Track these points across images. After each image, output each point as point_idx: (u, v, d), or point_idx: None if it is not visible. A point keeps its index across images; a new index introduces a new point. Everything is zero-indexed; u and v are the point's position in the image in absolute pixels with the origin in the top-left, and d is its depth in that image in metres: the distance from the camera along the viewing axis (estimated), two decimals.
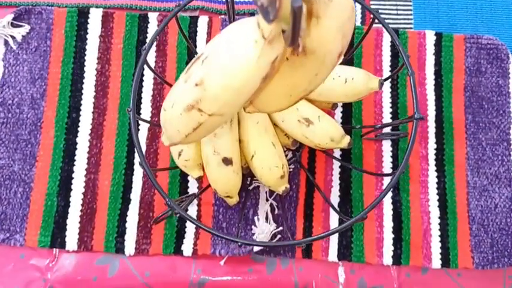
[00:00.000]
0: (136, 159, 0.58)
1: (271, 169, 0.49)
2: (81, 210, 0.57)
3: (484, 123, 0.60)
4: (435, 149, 0.59)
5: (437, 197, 0.58)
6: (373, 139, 0.59)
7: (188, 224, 0.56)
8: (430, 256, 0.56)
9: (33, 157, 0.58)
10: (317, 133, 0.50)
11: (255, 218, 0.56)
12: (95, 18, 0.62)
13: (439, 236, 0.57)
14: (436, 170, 0.59)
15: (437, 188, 0.58)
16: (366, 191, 0.58)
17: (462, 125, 0.60)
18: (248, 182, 0.57)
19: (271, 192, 0.57)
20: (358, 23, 0.64)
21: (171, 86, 0.43)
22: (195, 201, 0.57)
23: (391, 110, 0.60)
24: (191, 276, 0.55)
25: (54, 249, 0.56)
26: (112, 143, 0.58)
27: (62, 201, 0.57)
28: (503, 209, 0.58)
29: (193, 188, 0.58)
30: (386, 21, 0.63)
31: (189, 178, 0.58)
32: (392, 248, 0.56)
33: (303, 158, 0.59)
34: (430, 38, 0.62)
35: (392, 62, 0.61)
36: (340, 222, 0.57)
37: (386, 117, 0.60)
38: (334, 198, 0.58)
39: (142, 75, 0.60)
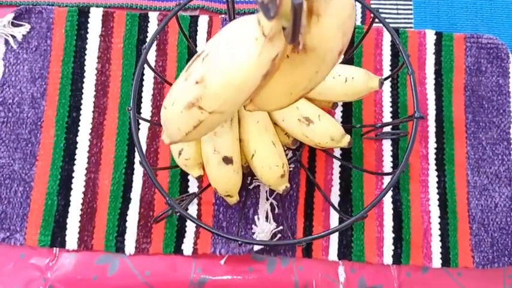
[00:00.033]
0: (137, 159, 0.58)
1: (272, 168, 0.49)
2: (81, 210, 0.57)
3: (484, 122, 0.60)
4: (435, 149, 0.59)
5: (437, 196, 0.58)
6: (373, 138, 0.59)
7: (188, 223, 0.56)
8: (431, 255, 0.56)
9: (33, 156, 0.58)
10: (317, 132, 0.50)
11: (255, 217, 0.56)
12: (95, 17, 0.62)
13: (440, 235, 0.57)
14: (436, 170, 0.59)
15: (438, 188, 0.58)
16: (366, 191, 0.58)
17: (462, 124, 0.60)
18: (248, 181, 0.57)
19: (272, 191, 0.57)
20: (359, 23, 0.64)
21: (171, 85, 0.43)
22: (195, 201, 0.57)
23: (391, 109, 0.60)
24: (191, 276, 0.55)
25: (54, 248, 0.56)
26: (112, 142, 0.58)
27: (62, 200, 0.57)
28: (503, 208, 0.58)
29: (193, 187, 0.58)
30: (387, 20, 0.63)
31: (189, 177, 0.58)
32: (393, 247, 0.56)
33: (303, 157, 0.59)
34: (430, 37, 0.62)
35: (393, 61, 0.62)
36: (341, 221, 0.57)
37: (387, 117, 0.60)
38: (335, 197, 0.58)
39: (143, 74, 0.60)
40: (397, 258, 0.56)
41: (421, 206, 0.57)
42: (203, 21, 0.62)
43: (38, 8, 0.61)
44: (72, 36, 0.61)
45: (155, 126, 0.59)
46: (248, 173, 0.55)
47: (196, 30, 0.62)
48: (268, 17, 0.23)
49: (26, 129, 0.58)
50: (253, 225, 0.56)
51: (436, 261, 0.56)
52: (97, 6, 0.62)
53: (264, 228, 0.55)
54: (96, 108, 0.59)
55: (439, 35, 0.62)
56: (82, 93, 0.60)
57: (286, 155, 0.57)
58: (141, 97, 0.60)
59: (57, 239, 0.56)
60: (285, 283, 0.55)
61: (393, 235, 0.57)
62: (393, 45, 0.62)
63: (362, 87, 0.49)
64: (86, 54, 0.61)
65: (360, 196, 0.58)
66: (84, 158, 0.58)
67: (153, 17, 0.62)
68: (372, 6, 0.64)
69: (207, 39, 0.62)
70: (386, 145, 0.59)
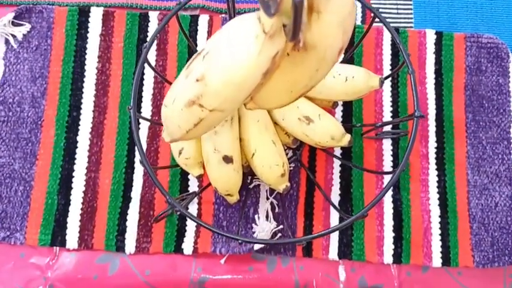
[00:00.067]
0: (137, 158, 0.58)
1: (272, 167, 0.49)
2: (81, 209, 0.57)
3: (485, 122, 0.60)
4: (435, 148, 0.59)
5: (437, 195, 0.58)
6: (373, 138, 0.59)
7: (189, 222, 0.56)
8: (431, 255, 0.56)
9: (33, 155, 0.58)
10: (317, 131, 0.50)
11: (256, 216, 0.56)
12: (96, 17, 0.62)
13: (440, 234, 0.57)
14: (436, 169, 0.59)
15: (438, 187, 0.58)
16: (366, 190, 0.58)
17: (462, 123, 0.60)
18: (248, 181, 0.57)
19: (272, 190, 0.57)
20: (359, 22, 0.64)
21: (171, 84, 0.43)
22: (196, 200, 0.57)
23: (391, 108, 0.60)
24: (191, 275, 0.55)
25: (55, 247, 0.56)
26: (112, 142, 0.59)
27: (63, 199, 0.57)
28: (503, 207, 0.58)
29: (193, 186, 0.58)
30: (387, 20, 0.63)
31: (189, 176, 0.58)
32: (393, 246, 0.56)
33: (303, 156, 0.59)
34: (431, 37, 0.62)
35: (393, 60, 0.62)
36: (341, 220, 0.57)
37: (387, 116, 0.60)
38: (335, 196, 0.58)
39: (143, 74, 0.61)
40: (397, 258, 0.56)
41: (422, 205, 0.57)
42: (203, 20, 0.62)
43: (38, 7, 0.61)
44: (73, 36, 0.61)
45: (155, 125, 0.59)
46: (248, 172, 0.55)
47: (197, 30, 0.62)
48: (269, 14, 0.23)
49: (27, 129, 0.58)
50: (253, 225, 0.56)
51: (437, 261, 0.56)
52: (97, 6, 0.62)
53: (264, 227, 0.55)
54: (96, 107, 0.59)
55: (439, 35, 0.62)
56: (82, 92, 0.60)
57: (287, 154, 0.57)
58: (142, 96, 0.60)
59: (57, 238, 0.56)
60: (286, 282, 0.55)
61: (393, 234, 0.57)
62: (393, 45, 0.62)
63: (362, 86, 0.49)
64: (86, 54, 0.61)
65: (360, 195, 0.58)
66: (85, 157, 0.58)
67: (154, 17, 0.62)
68: (372, 5, 0.64)
69: (208, 39, 0.62)
70: (387, 144, 0.59)
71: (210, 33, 0.62)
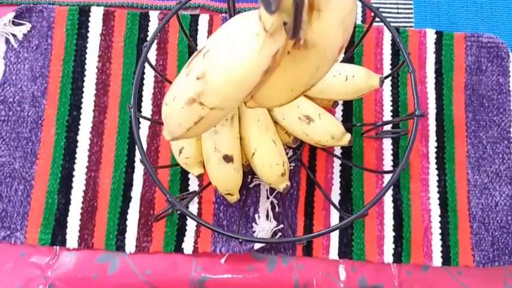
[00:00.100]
0: (137, 157, 0.58)
1: (272, 166, 0.49)
2: (81, 208, 0.57)
3: (485, 121, 0.60)
4: (436, 147, 0.59)
5: (437, 195, 0.58)
6: (373, 137, 0.59)
7: (189, 221, 0.56)
8: (431, 254, 0.56)
9: (34, 155, 0.58)
10: (318, 130, 0.50)
11: (256, 215, 0.56)
12: (96, 16, 0.62)
13: (440, 234, 0.57)
14: (436, 168, 0.59)
15: (438, 186, 0.58)
16: (366, 189, 0.58)
17: (463, 123, 0.60)
18: (249, 180, 0.57)
19: (272, 190, 0.57)
20: (359, 22, 0.64)
21: (171, 83, 0.44)
22: (196, 199, 0.57)
23: (391, 108, 0.60)
24: (192, 274, 0.55)
25: (55, 246, 0.56)
26: (113, 141, 0.59)
27: (63, 199, 0.57)
28: (503, 207, 0.58)
29: (193, 185, 0.58)
30: (387, 19, 0.63)
31: (189, 176, 0.58)
32: (393, 246, 0.56)
33: (303, 156, 0.59)
34: (431, 36, 0.62)
35: (393, 60, 0.62)
36: (341, 220, 0.57)
37: (387, 116, 0.60)
38: (335, 196, 0.58)
39: (143, 73, 0.61)
40: (397, 257, 0.56)
41: (422, 205, 0.57)
42: (204, 20, 0.62)
43: (38, 7, 0.61)
44: (73, 35, 0.61)
45: (156, 124, 0.59)
46: (248, 172, 0.55)
47: (197, 29, 0.62)
48: (270, 11, 0.23)
49: (27, 128, 0.58)
50: (253, 224, 0.56)
51: (437, 260, 0.56)
52: (98, 5, 0.63)
53: (264, 227, 0.55)
54: (96, 107, 0.59)
55: (439, 34, 0.62)
56: (83, 92, 0.60)
57: (287, 153, 0.57)
58: (142, 96, 0.60)
59: (57, 237, 0.56)
60: (286, 282, 0.55)
61: (394, 234, 0.57)
62: (394, 44, 0.62)
63: (362, 85, 0.49)
64: (86, 53, 0.61)
65: (361, 195, 0.58)
66: (85, 157, 0.58)
67: (154, 16, 0.62)
68: (373, 5, 0.64)
69: (208, 38, 0.62)
70: (387, 144, 0.59)
71: (210, 33, 0.62)
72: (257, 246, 0.54)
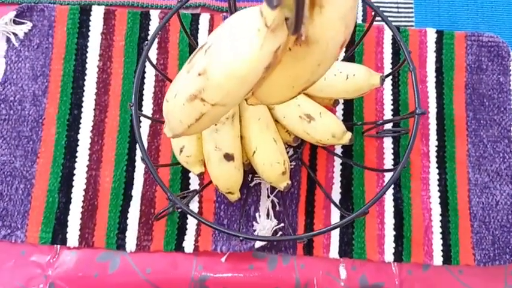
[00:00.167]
0: (138, 156, 0.58)
1: (273, 165, 0.49)
2: (82, 207, 0.57)
3: (485, 120, 0.60)
4: (436, 146, 0.59)
5: (438, 194, 0.58)
6: (374, 136, 0.59)
7: (189, 220, 0.56)
8: (432, 253, 0.56)
9: (34, 154, 0.58)
10: (318, 129, 0.50)
11: (257, 214, 0.56)
12: (97, 15, 0.62)
13: (441, 233, 0.57)
14: (437, 167, 0.59)
15: (439, 185, 0.58)
16: (367, 188, 0.58)
17: (463, 122, 0.60)
18: (249, 179, 0.57)
19: (273, 188, 0.57)
20: (360, 21, 0.64)
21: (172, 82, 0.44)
22: (196, 198, 0.57)
23: (392, 107, 0.60)
24: (192, 273, 0.55)
25: (55, 245, 0.56)
26: (113, 140, 0.59)
27: (63, 197, 0.57)
28: (504, 206, 0.58)
29: (194, 184, 0.58)
30: (388, 19, 0.63)
31: (190, 175, 0.58)
32: (394, 244, 0.56)
33: (304, 155, 0.59)
34: (431, 35, 0.62)
35: (394, 59, 0.62)
36: (342, 219, 0.57)
37: (388, 115, 0.60)
38: (335, 195, 0.58)
39: (144, 72, 0.61)
40: (398, 256, 0.56)
41: (422, 204, 0.57)
42: (204, 19, 0.62)
43: (39, 5, 0.61)
44: (74, 34, 0.61)
45: (156, 123, 0.59)
46: (249, 170, 0.55)
47: (198, 28, 0.62)
48: (272, 6, 0.23)
49: (27, 127, 0.58)
50: (254, 223, 0.56)
51: (437, 259, 0.56)
52: (99, 4, 0.63)
53: (265, 225, 0.55)
54: (97, 105, 0.59)
55: (439, 33, 0.62)
56: (83, 90, 0.60)
57: (287, 152, 0.57)
58: (143, 95, 0.60)
59: (58, 236, 0.56)
60: (286, 281, 0.55)
61: (394, 233, 0.57)
62: (394, 43, 0.62)
63: (363, 84, 0.49)
64: (87, 52, 0.61)
65: (361, 194, 0.58)
66: (85, 156, 0.58)
67: (155, 15, 0.62)
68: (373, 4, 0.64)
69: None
70: (387, 143, 0.59)
71: (211, 32, 0.62)
72: (258, 245, 0.54)
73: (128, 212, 0.57)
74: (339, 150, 0.59)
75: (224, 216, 0.57)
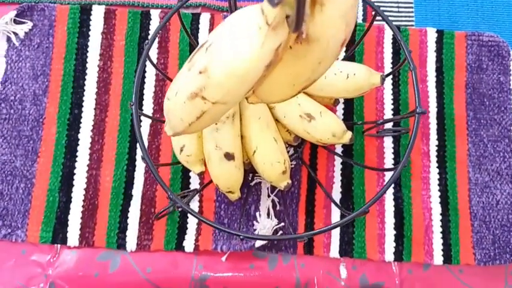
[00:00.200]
0: (138, 156, 0.58)
1: (273, 164, 0.49)
2: (82, 206, 0.57)
3: (486, 119, 0.60)
4: (437, 146, 0.59)
5: (438, 193, 0.58)
6: (374, 135, 0.59)
7: (190, 220, 0.56)
8: (432, 252, 0.56)
9: (35, 153, 0.58)
10: (319, 128, 0.50)
11: (257, 213, 0.56)
12: (97, 15, 0.62)
13: (441, 232, 0.57)
14: (437, 167, 0.59)
15: (439, 185, 0.58)
16: (367, 188, 0.58)
17: (463, 121, 0.60)
18: (250, 178, 0.57)
19: (273, 188, 0.57)
20: (360, 20, 0.64)
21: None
22: (197, 198, 0.57)
23: (392, 106, 0.60)
24: (193, 272, 0.55)
25: (56, 245, 0.56)
26: (114, 139, 0.59)
27: (64, 197, 0.57)
28: (504, 205, 0.58)
29: (195, 184, 0.58)
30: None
31: (190, 174, 0.58)
32: (394, 244, 0.56)
33: (304, 154, 0.59)
34: (431, 35, 0.62)
35: (394, 58, 0.62)
36: (342, 218, 0.57)
37: (388, 114, 0.60)
38: (336, 194, 0.58)
39: (145, 71, 0.61)
40: (398, 255, 0.56)
41: (423, 203, 0.57)
42: (205, 18, 0.62)
43: (40, 5, 0.61)
44: (74, 34, 0.61)
45: (157, 123, 0.59)
46: (250, 170, 0.55)
47: (198, 28, 0.62)
48: (273, 4, 0.23)
49: (28, 126, 0.58)
50: (254, 222, 0.56)
51: (438, 258, 0.56)
52: (99, 4, 0.63)
53: (265, 225, 0.55)
54: (97, 105, 0.59)
55: (440, 33, 0.62)
56: (84, 90, 0.60)
57: (288, 152, 0.57)
58: (143, 94, 0.60)
59: (58, 235, 0.56)
60: (287, 280, 0.55)
61: (395, 232, 0.57)
62: (394, 43, 0.62)
63: (363, 83, 0.49)
64: (87, 52, 0.61)
65: (362, 193, 0.58)
66: (86, 155, 0.58)
67: (155, 15, 0.62)
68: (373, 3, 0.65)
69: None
70: (388, 142, 0.59)
71: (211, 32, 0.62)
72: (258, 244, 0.54)
73: (128, 212, 0.57)
74: (339, 149, 0.59)
75: (224, 216, 0.57)
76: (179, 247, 0.55)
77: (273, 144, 0.49)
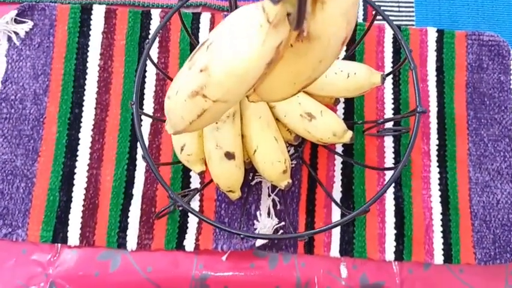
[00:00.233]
0: (139, 155, 0.58)
1: (274, 164, 0.49)
2: (83, 206, 0.57)
3: (486, 119, 0.60)
4: (437, 145, 0.59)
5: (439, 192, 0.58)
6: (375, 135, 0.59)
7: (190, 219, 0.56)
8: (432, 252, 0.56)
9: (35, 152, 0.58)
10: (319, 128, 0.50)
11: (257, 213, 0.56)
12: (98, 14, 0.62)
13: (441, 231, 0.57)
14: (438, 166, 0.59)
15: (440, 184, 0.58)
16: (368, 187, 0.58)
17: (464, 121, 0.60)
18: (250, 177, 0.57)
19: (274, 187, 0.57)
20: (360, 20, 0.64)
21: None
22: (197, 197, 0.57)
23: (393, 106, 0.60)
24: (193, 272, 0.55)
25: (56, 244, 0.56)
26: (114, 139, 0.59)
27: (64, 196, 0.57)
28: (505, 204, 0.58)
29: (195, 183, 0.58)
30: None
31: (191, 173, 0.58)
32: (395, 243, 0.56)
33: (305, 153, 0.59)
34: (432, 34, 0.62)
35: (394, 58, 0.62)
36: (342, 218, 0.57)
37: (388, 114, 0.60)
38: (336, 193, 0.58)
39: (145, 71, 0.61)
40: (399, 255, 0.56)
41: (423, 203, 0.57)
42: (205, 18, 0.62)
43: (40, 5, 0.62)
44: (75, 33, 0.61)
45: (157, 122, 0.59)
46: (250, 169, 0.55)
47: (199, 28, 0.62)
48: (274, 1, 0.23)
49: (28, 126, 0.58)
50: (255, 221, 0.56)
51: (438, 258, 0.56)
52: (100, 4, 0.63)
53: (266, 224, 0.55)
54: (98, 104, 0.59)
55: (440, 33, 0.62)
56: (84, 89, 0.60)
57: (288, 151, 0.57)
58: (144, 94, 0.60)
59: (59, 234, 0.56)
60: (287, 279, 0.55)
61: (395, 231, 0.57)
62: (395, 43, 0.62)
63: (364, 82, 0.49)
64: (88, 51, 0.61)
65: (362, 192, 0.58)
66: (86, 154, 0.58)
67: (156, 14, 0.62)
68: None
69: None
70: (388, 142, 0.59)
71: None
72: (258, 243, 0.54)
73: (128, 211, 0.57)
74: (339, 149, 0.59)
75: (225, 215, 0.57)
76: (180, 246, 0.55)
77: (273, 144, 0.49)
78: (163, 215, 0.56)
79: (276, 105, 0.51)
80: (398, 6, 0.64)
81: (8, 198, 0.56)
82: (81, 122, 0.59)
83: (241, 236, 0.40)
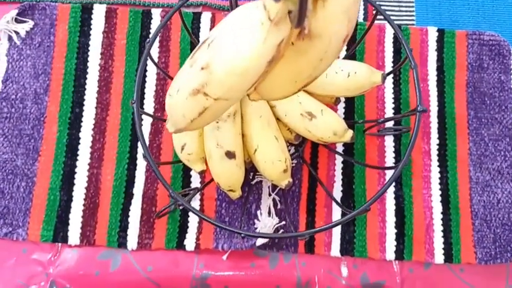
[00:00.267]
0: (139, 154, 0.58)
1: (274, 163, 0.49)
2: (83, 205, 0.57)
3: (487, 118, 0.60)
4: (438, 145, 0.59)
5: (439, 192, 0.58)
6: (375, 134, 0.59)
7: (191, 218, 0.56)
8: (433, 251, 0.56)
9: (36, 152, 0.58)
10: (320, 127, 0.50)
11: (258, 212, 0.56)
12: (99, 14, 0.62)
13: (442, 231, 0.57)
14: (438, 166, 0.59)
15: (440, 184, 0.58)
16: (368, 186, 0.58)
17: (464, 120, 0.60)
18: (251, 177, 0.57)
19: (274, 186, 0.57)
20: (361, 19, 0.64)
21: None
22: (198, 196, 0.57)
23: (393, 105, 0.60)
24: (194, 271, 0.55)
25: (57, 243, 0.56)
26: (115, 138, 0.59)
27: (65, 195, 0.57)
28: (505, 204, 0.58)
29: (196, 182, 0.58)
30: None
31: (191, 173, 0.58)
32: (395, 243, 0.56)
33: (305, 153, 0.59)
34: (432, 34, 0.63)
35: (395, 57, 0.62)
36: (343, 217, 0.57)
37: (389, 113, 0.60)
38: (337, 193, 0.58)
39: (146, 70, 0.61)
40: (399, 254, 0.56)
41: (424, 202, 0.57)
42: (206, 18, 0.62)
43: (41, 4, 0.62)
44: (76, 33, 0.61)
45: (158, 121, 0.59)
46: (251, 168, 0.55)
47: (199, 27, 0.62)
48: None
49: (29, 125, 0.58)
50: (255, 220, 0.56)
51: (439, 257, 0.56)
52: (100, 3, 0.63)
53: (266, 223, 0.55)
54: (99, 104, 0.59)
55: (441, 32, 0.63)
56: (85, 89, 0.60)
57: (289, 150, 0.57)
58: (144, 93, 0.60)
59: (59, 234, 0.55)
60: (288, 279, 0.55)
61: (396, 231, 0.57)
62: (395, 42, 0.62)
63: (365, 81, 0.49)
64: (89, 51, 0.61)
65: (362, 192, 0.58)
66: (87, 154, 0.58)
67: (156, 14, 0.62)
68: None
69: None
70: (389, 141, 0.59)
71: None
72: (259, 242, 0.54)
73: (129, 210, 0.57)
74: (340, 148, 0.59)
75: (225, 214, 0.57)
76: (180, 246, 0.55)
77: (274, 143, 0.49)
78: (163, 215, 0.56)
79: (276, 105, 0.51)
80: (399, 6, 0.64)
81: (8, 198, 0.56)
82: (81, 121, 0.59)
83: (242, 235, 0.40)
